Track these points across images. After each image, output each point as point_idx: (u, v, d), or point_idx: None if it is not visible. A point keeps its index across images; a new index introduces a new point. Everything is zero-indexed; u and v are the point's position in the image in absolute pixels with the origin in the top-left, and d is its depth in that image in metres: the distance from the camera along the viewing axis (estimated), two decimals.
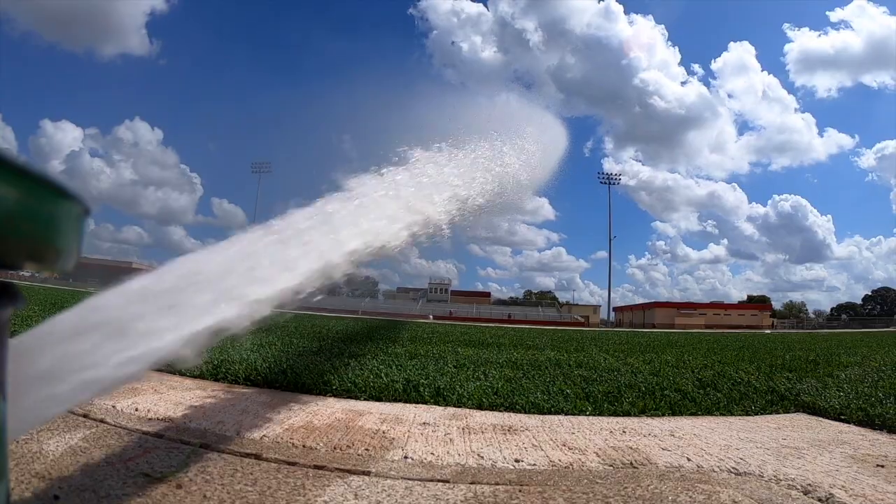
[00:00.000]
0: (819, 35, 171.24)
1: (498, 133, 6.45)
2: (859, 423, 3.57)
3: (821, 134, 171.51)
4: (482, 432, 2.99)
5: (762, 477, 2.32)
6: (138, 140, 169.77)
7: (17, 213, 0.77)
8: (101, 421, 2.70)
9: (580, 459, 2.51)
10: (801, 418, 3.78)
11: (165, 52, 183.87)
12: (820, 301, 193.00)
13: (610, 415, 3.70)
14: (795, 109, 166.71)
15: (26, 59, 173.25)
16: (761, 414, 3.91)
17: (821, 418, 3.78)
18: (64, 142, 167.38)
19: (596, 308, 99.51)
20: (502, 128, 6.93)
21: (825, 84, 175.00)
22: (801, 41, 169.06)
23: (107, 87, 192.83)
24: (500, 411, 3.66)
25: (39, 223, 0.81)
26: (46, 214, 0.83)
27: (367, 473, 2.18)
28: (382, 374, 4.62)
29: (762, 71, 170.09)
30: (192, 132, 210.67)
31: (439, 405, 3.77)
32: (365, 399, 3.85)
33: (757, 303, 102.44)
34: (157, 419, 2.85)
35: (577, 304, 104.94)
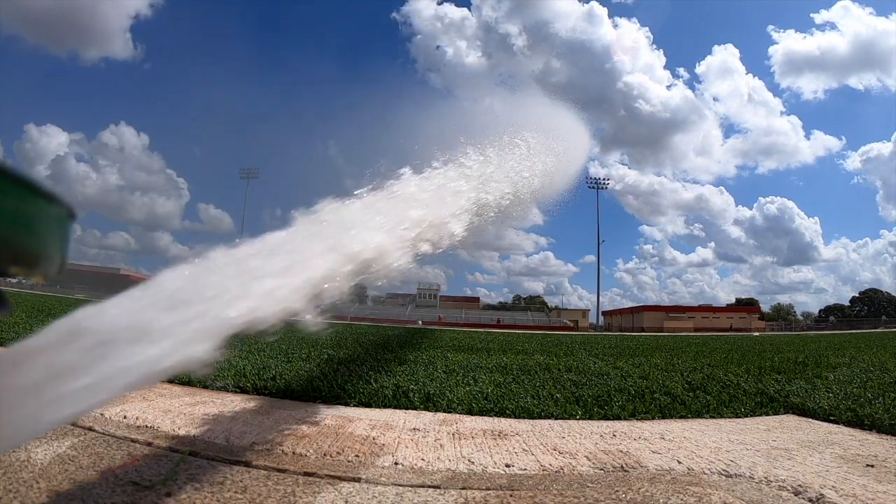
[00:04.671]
0: (804, 37, 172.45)
1: (514, 137, 6.35)
2: (848, 424, 3.59)
3: (807, 136, 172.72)
4: (472, 437, 2.98)
5: (753, 478, 2.33)
6: (124, 145, 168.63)
7: None
8: (90, 429, 2.68)
9: (571, 464, 2.51)
10: (790, 420, 3.80)
11: (150, 56, 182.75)
12: (808, 303, 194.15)
13: (600, 418, 3.71)
14: (781, 112, 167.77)
15: (11, 63, 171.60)
16: (751, 416, 3.92)
17: (810, 419, 3.80)
18: (49, 147, 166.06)
19: (585, 312, 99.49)
20: (521, 131, 6.82)
21: (811, 86, 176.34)
22: (786, 43, 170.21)
23: (91, 91, 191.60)
24: (490, 416, 3.66)
25: (9, 223, 0.79)
26: (16, 214, 0.80)
27: (358, 480, 2.17)
28: (372, 380, 4.61)
29: (747, 74, 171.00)
30: (178, 137, 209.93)
31: (429, 411, 3.76)
32: (354, 405, 3.84)
33: (745, 305, 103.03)
34: (146, 427, 2.83)
35: (565, 309, 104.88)
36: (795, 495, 2.14)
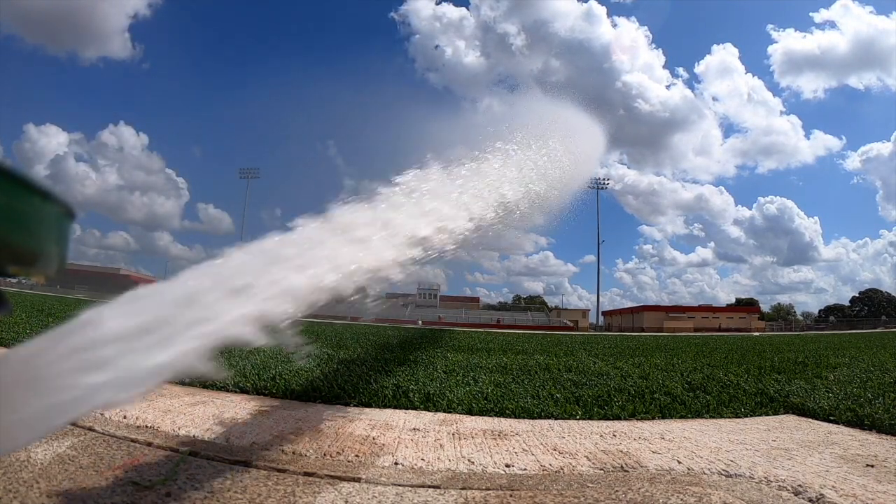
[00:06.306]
0: (804, 36, 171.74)
1: (523, 140, 6.29)
2: (848, 424, 3.59)
3: (807, 136, 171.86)
4: (472, 437, 2.98)
5: (753, 478, 2.33)
6: (123, 145, 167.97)
7: None
8: (90, 429, 2.68)
9: (571, 464, 2.51)
10: (790, 420, 3.80)
11: (148, 56, 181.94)
12: (808, 303, 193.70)
13: (600, 419, 3.71)
14: (781, 112, 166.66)
15: (10, 63, 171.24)
16: (751, 416, 3.92)
17: (810, 419, 3.80)
18: (48, 147, 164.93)
19: (585, 312, 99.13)
20: (529, 134, 6.75)
21: (811, 86, 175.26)
22: (786, 42, 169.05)
23: (90, 91, 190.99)
24: (490, 416, 3.66)
25: (7, 222, 0.79)
26: (14, 213, 0.80)
27: (358, 480, 2.17)
28: (372, 380, 4.61)
29: (746, 73, 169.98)
30: (178, 137, 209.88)
31: (429, 411, 3.76)
32: (355, 405, 3.83)
33: (745, 305, 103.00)
34: (146, 427, 2.83)
35: (565, 309, 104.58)
36: (795, 495, 2.14)
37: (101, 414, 2.98)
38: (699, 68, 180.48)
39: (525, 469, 2.42)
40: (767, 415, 3.99)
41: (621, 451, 2.74)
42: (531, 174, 5.42)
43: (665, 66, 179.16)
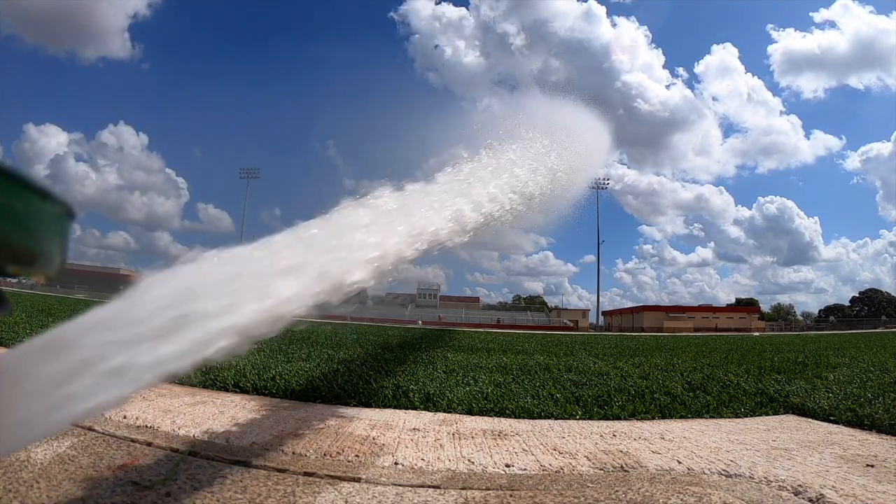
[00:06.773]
0: (804, 35, 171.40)
1: (529, 138, 6.27)
2: (848, 424, 3.59)
3: (807, 136, 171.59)
4: (472, 437, 2.98)
5: (753, 478, 2.33)
6: (123, 144, 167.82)
7: None
8: (90, 429, 2.67)
9: (571, 463, 2.51)
10: (790, 420, 3.80)
11: (148, 55, 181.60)
12: (808, 303, 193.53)
13: (600, 419, 3.71)
14: (781, 112, 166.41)
15: (9, 63, 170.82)
16: (751, 416, 3.92)
17: (810, 419, 3.80)
18: (48, 146, 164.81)
19: (585, 312, 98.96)
20: (533, 131, 6.74)
21: (811, 85, 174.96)
22: (786, 42, 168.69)
23: (90, 91, 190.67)
24: (490, 416, 3.66)
25: (7, 222, 0.79)
26: (14, 212, 0.80)
27: (358, 480, 2.17)
28: (371, 380, 4.61)
29: (746, 73, 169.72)
30: (178, 137, 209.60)
31: (429, 411, 3.76)
32: (354, 405, 3.84)
33: (745, 305, 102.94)
34: (146, 427, 2.83)
35: (565, 309, 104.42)
36: (795, 495, 2.14)
37: (101, 414, 2.97)
38: (699, 68, 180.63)
39: (525, 469, 2.42)
40: (767, 415, 3.99)
41: (621, 451, 2.74)
42: (535, 171, 5.40)
43: (665, 66, 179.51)
